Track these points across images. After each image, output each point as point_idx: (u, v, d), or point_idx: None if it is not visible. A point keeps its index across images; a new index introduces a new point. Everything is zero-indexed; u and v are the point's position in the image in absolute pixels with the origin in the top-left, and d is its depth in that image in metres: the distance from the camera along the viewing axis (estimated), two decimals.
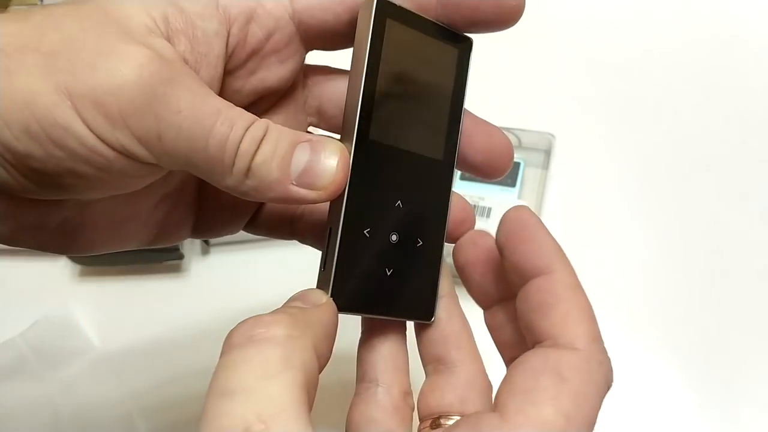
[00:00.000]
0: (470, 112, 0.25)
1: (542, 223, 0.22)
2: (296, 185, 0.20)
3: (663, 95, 0.53)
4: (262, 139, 0.20)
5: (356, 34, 0.22)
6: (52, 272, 0.49)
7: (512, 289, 0.23)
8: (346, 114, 0.23)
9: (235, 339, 0.18)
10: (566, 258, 0.21)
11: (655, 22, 0.57)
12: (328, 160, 0.21)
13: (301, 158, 0.20)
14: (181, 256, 0.48)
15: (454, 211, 0.25)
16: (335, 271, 0.21)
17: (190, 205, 0.26)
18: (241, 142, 0.19)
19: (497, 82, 0.56)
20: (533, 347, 0.20)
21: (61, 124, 0.18)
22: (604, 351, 0.19)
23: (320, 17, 0.23)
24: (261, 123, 0.20)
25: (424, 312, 0.24)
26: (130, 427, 0.42)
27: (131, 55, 0.18)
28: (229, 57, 0.22)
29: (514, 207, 0.22)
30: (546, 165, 0.48)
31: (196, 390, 0.44)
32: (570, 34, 0.58)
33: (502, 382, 0.19)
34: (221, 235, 0.28)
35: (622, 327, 0.43)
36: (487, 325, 0.25)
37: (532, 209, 0.49)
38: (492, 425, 0.18)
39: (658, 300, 0.44)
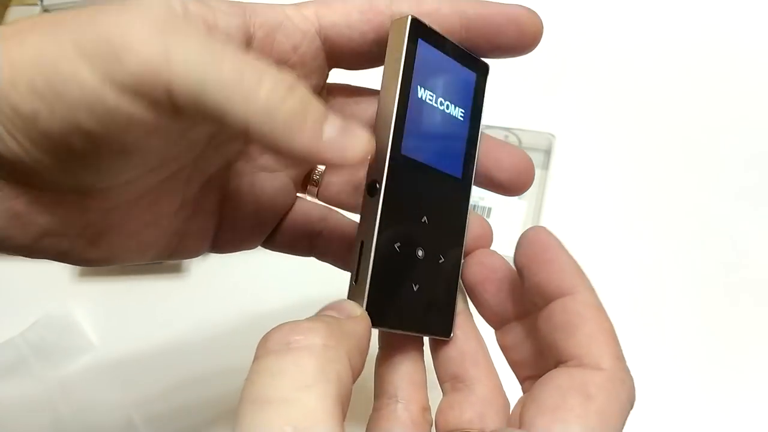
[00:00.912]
0: (491, 136, 0.26)
1: (561, 243, 0.22)
2: (326, 142, 0.19)
3: (663, 95, 0.53)
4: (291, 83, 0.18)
5: (388, 51, 0.22)
6: (52, 272, 0.49)
7: (527, 309, 0.23)
8: (378, 127, 0.22)
9: (271, 345, 0.18)
10: (587, 278, 0.21)
11: (656, 22, 0.57)
12: (358, 129, 0.19)
13: (333, 121, 0.19)
14: None
15: (471, 227, 0.25)
16: (369, 285, 0.21)
17: (211, 216, 0.26)
18: (264, 74, 0.18)
19: (497, 82, 0.56)
20: (556, 366, 0.20)
21: (64, 73, 0.17)
22: (627, 370, 0.20)
23: (346, 34, 0.23)
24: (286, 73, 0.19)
25: (443, 329, 0.24)
26: (130, 427, 0.42)
27: (142, 5, 0.18)
28: None
29: (532, 228, 0.22)
30: (546, 165, 0.48)
31: (196, 389, 0.44)
32: (570, 34, 0.58)
33: (527, 400, 0.19)
34: (239, 250, 0.28)
35: (623, 326, 0.43)
36: (499, 345, 0.25)
37: (532, 209, 0.49)
38: None
39: (658, 300, 0.44)
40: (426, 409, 0.24)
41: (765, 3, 0.56)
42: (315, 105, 0.18)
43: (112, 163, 0.20)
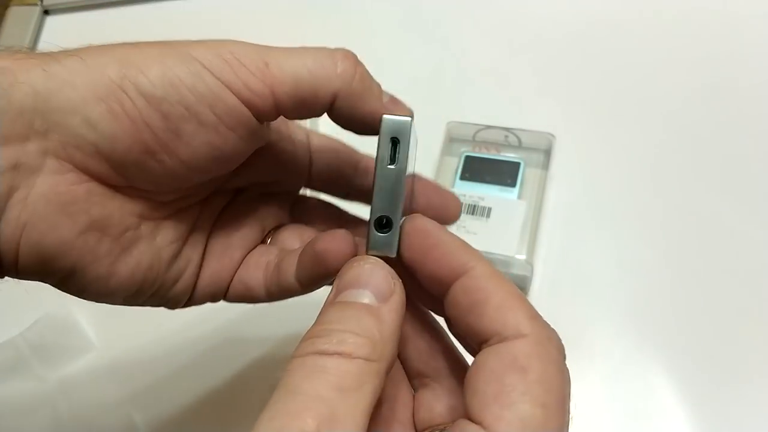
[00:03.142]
0: (423, 178, 0.29)
1: (440, 225, 0.22)
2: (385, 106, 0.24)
3: (663, 95, 0.53)
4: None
5: (381, 139, 0.23)
6: None
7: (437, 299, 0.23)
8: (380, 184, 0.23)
9: (314, 348, 0.18)
10: (477, 251, 0.21)
11: (656, 22, 0.57)
12: (399, 99, 0.25)
13: (385, 92, 0.25)
14: None
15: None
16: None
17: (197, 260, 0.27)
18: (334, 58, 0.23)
19: (497, 83, 0.56)
20: (479, 348, 0.20)
21: (192, 71, 0.21)
22: (546, 324, 0.20)
23: (325, 163, 0.29)
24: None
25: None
26: (130, 427, 0.42)
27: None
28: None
29: (408, 219, 0.22)
30: (546, 165, 0.48)
31: (196, 389, 0.44)
32: (570, 34, 0.58)
33: (467, 390, 0.19)
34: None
35: (622, 327, 0.43)
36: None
37: (532, 209, 0.49)
38: None
39: (657, 300, 0.44)
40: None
41: (764, 5, 0.56)
42: (374, 80, 0.24)
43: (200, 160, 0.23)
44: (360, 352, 0.18)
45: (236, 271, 0.28)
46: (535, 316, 0.19)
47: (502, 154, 0.49)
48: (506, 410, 0.18)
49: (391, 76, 0.57)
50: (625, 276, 0.45)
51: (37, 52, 0.21)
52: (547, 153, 0.49)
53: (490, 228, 0.45)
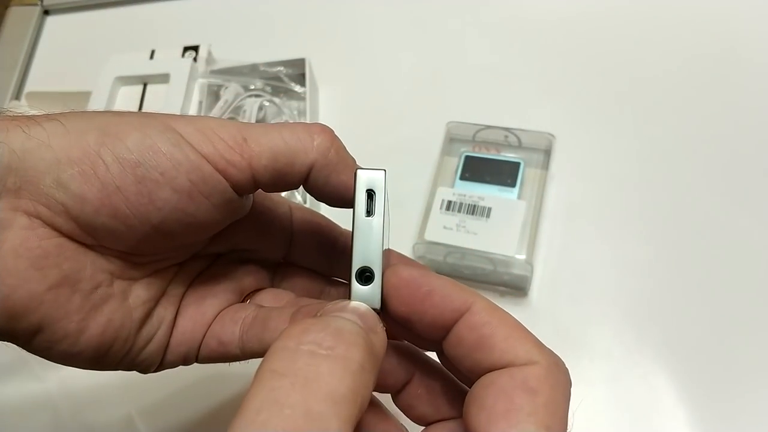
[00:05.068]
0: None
1: (423, 268, 0.22)
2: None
3: (663, 95, 0.53)
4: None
5: (356, 192, 0.23)
6: None
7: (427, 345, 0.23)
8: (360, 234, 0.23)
9: (306, 339, 0.17)
10: (467, 287, 0.21)
11: (656, 23, 0.57)
12: None
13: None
14: None
15: None
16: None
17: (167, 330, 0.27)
18: (311, 132, 0.24)
19: (497, 83, 0.56)
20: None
21: (171, 140, 0.22)
22: (552, 353, 0.20)
23: (304, 232, 0.29)
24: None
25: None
26: (130, 427, 0.42)
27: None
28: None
29: (390, 272, 0.22)
30: (546, 165, 0.48)
31: (196, 389, 0.44)
32: (570, 34, 0.58)
33: (472, 405, 0.19)
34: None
35: (622, 327, 0.43)
36: (399, 407, 0.24)
37: (532, 209, 0.49)
38: None
39: (657, 300, 0.44)
40: None
41: (765, 5, 0.56)
42: (349, 154, 0.24)
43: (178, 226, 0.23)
44: (356, 354, 0.17)
45: (209, 328, 0.27)
46: (542, 345, 0.20)
47: (502, 154, 0.49)
48: (513, 428, 0.18)
49: (391, 76, 0.57)
50: (625, 276, 0.45)
51: (20, 114, 0.22)
52: (547, 153, 0.49)
53: (489, 228, 0.45)
